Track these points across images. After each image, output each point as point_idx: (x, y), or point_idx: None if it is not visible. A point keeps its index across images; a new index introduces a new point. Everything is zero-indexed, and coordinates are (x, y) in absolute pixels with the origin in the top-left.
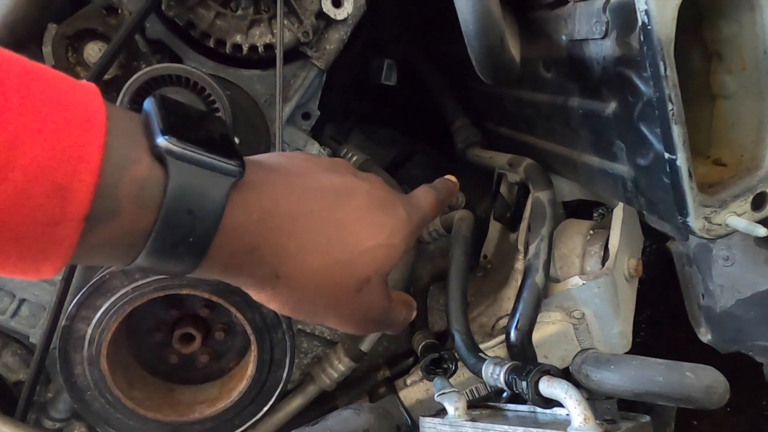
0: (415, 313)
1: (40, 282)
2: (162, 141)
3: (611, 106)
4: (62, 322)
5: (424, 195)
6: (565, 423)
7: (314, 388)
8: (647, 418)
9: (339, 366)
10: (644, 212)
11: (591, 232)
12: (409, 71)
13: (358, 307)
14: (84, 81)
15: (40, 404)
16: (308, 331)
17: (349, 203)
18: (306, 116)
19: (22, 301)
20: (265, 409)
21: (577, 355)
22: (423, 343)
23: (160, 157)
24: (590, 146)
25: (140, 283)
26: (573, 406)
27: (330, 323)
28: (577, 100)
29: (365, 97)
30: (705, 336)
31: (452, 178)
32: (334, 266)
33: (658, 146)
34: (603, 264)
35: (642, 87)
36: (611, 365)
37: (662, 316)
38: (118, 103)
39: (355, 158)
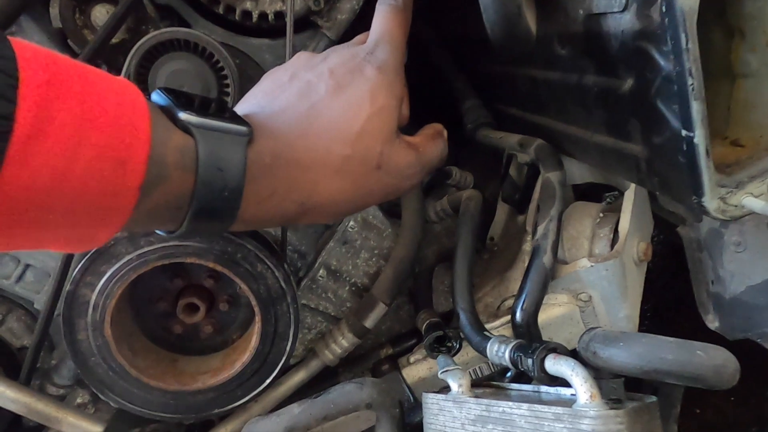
0: (446, 135)
1: None
2: (183, 115)
3: (627, 83)
4: (67, 287)
5: (380, 22)
6: (570, 401)
7: (317, 363)
8: (654, 398)
9: (343, 342)
10: (657, 193)
11: (601, 214)
12: (418, 51)
13: (387, 179)
14: (119, 77)
15: (44, 371)
16: (312, 306)
17: (320, 103)
18: None
19: (27, 266)
20: (268, 381)
21: (584, 333)
22: (427, 321)
23: (185, 129)
24: (604, 125)
25: (145, 250)
26: (579, 384)
27: (375, 204)
28: (592, 78)
29: None
30: (713, 323)
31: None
32: (342, 165)
33: (675, 124)
34: (612, 247)
35: (661, 62)
36: (620, 342)
37: (667, 305)
38: (125, 67)
39: None
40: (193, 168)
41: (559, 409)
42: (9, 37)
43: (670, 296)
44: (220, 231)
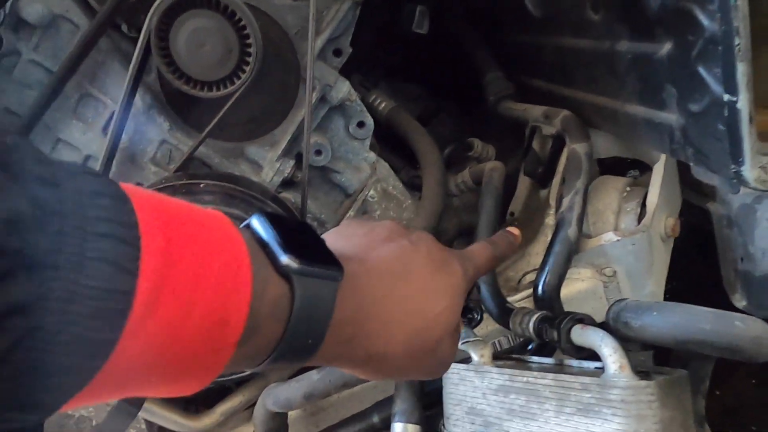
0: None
1: None
2: (286, 260)
3: (665, 48)
4: None
5: (480, 251)
6: (595, 374)
7: None
8: (684, 371)
9: None
10: (691, 164)
11: (627, 188)
12: (439, 21)
13: (435, 362)
14: (210, 210)
15: None
16: None
17: (416, 273)
18: (337, 52)
19: None
20: None
21: (613, 304)
22: None
23: (284, 275)
24: (636, 94)
25: None
26: (608, 354)
27: (413, 377)
28: (626, 44)
29: (392, 50)
30: (740, 302)
31: (514, 230)
32: (414, 336)
33: (717, 88)
34: (639, 222)
35: (705, 22)
36: (654, 312)
37: (685, 287)
38: (145, 25)
39: (384, 104)
40: (284, 318)
41: (586, 379)
42: (127, 190)
43: (689, 278)
44: (293, 369)
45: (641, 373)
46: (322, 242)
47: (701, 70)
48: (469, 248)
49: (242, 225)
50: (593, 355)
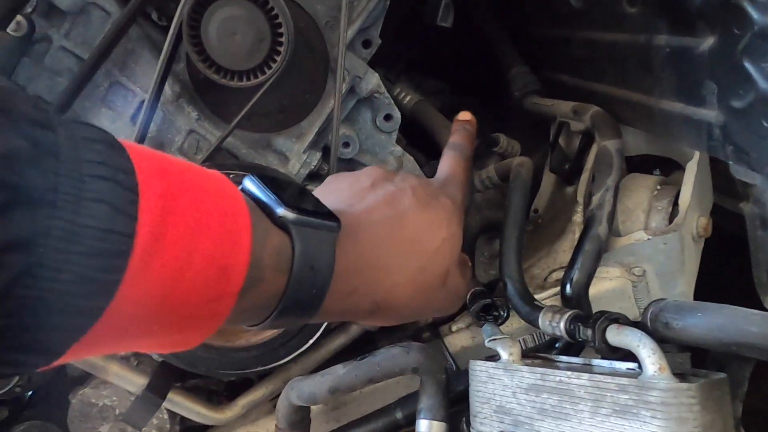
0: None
1: None
2: (282, 212)
3: (707, 42)
4: None
5: (452, 166)
6: (629, 375)
7: (357, 328)
8: (723, 374)
9: None
10: (730, 162)
11: (658, 187)
12: (464, 15)
13: (447, 295)
14: (210, 170)
15: None
16: None
17: (407, 214)
18: (366, 44)
19: None
20: (311, 342)
21: (651, 303)
22: (472, 290)
23: (283, 226)
24: (672, 90)
25: None
26: (647, 355)
27: (427, 316)
28: (665, 38)
29: (413, 44)
30: None
31: (465, 115)
32: (417, 275)
33: (763, 84)
34: (670, 221)
35: (755, 15)
36: (698, 312)
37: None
38: (177, 14)
39: (409, 98)
40: (287, 268)
41: (624, 380)
42: (124, 143)
43: (713, 281)
44: (300, 324)
45: (679, 375)
46: (315, 198)
47: (747, 65)
48: (441, 170)
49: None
50: (624, 357)
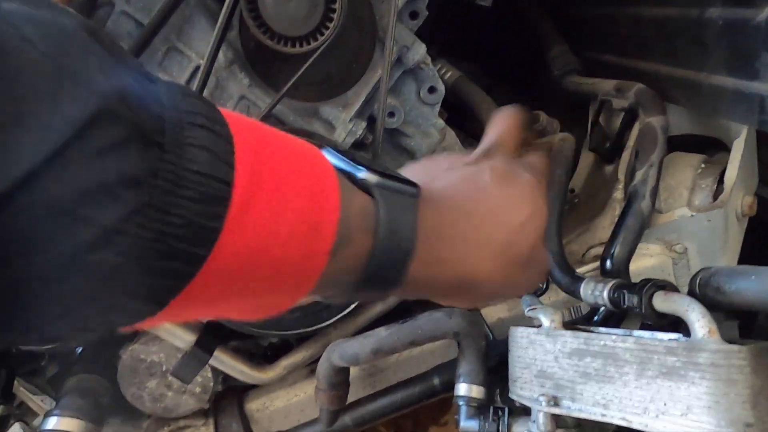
0: None
1: None
2: (364, 174)
3: (765, 12)
4: None
5: (536, 158)
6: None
7: (394, 298)
8: None
9: None
10: None
11: (702, 165)
12: None
13: (530, 274)
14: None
15: None
16: None
17: (487, 190)
18: (414, 15)
19: None
20: (352, 306)
21: (700, 271)
22: None
23: (365, 188)
24: (724, 64)
25: None
26: (696, 319)
27: (512, 295)
28: (718, 10)
29: (453, 24)
30: None
31: (512, 113)
32: (506, 250)
33: None
34: (714, 200)
35: None
36: (752, 276)
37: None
38: None
39: (450, 74)
40: (372, 229)
41: (673, 342)
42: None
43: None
44: (383, 296)
45: (727, 341)
46: (391, 169)
47: None
48: (532, 159)
49: None
50: (666, 327)
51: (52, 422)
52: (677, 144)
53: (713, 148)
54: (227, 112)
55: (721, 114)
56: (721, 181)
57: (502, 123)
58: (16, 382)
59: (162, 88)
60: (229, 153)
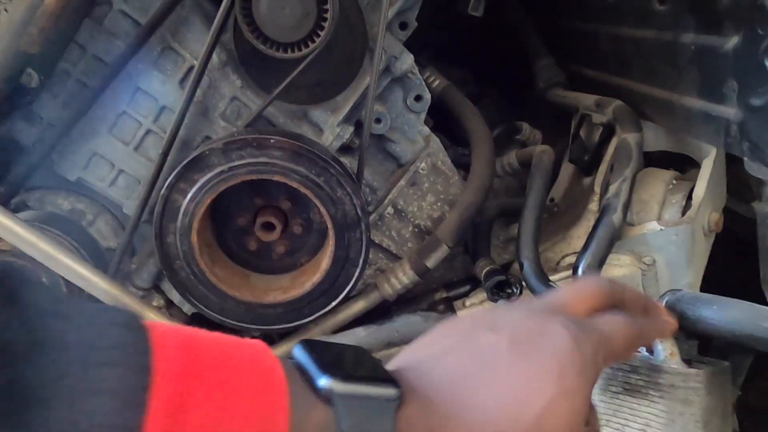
0: None
1: (138, 155)
2: (324, 382)
3: (732, 41)
4: (162, 192)
5: (612, 321)
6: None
7: (376, 296)
8: (727, 363)
9: (403, 278)
10: (745, 158)
11: (674, 182)
12: (492, 6)
13: None
14: (250, 339)
15: (125, 273)
16: (376, 242)
17: (497, 369)
18: (403, 26)
19: (120, 171)
20: (335, 302)
21: (667, 293)
22: (487, 268)
23: (327, 398)
24: (694, 87)
25: (236, 164)
26: (659, 341)
27: None
28: (691, 36)
29: (443, 31)
30: None
31: (669, 318)
32: None
33: None
34: (683, 215)
35: None
36: (713, 305)
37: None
38: None
39: (437, 82)
40: None
41: (636, 362)
42: (151, 324)
43: (721, 280)
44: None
45: (686, 361)
46: (375, 361)
47: None
48: (597, 317)
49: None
50: None
51: None
52: (653, 160)
53: (687, 164)
54: (164, 330)
55: (692, 134)
56: (690, 197)
57: (582, 285)
58: None
59: (74, 327)
60: (141, 389)
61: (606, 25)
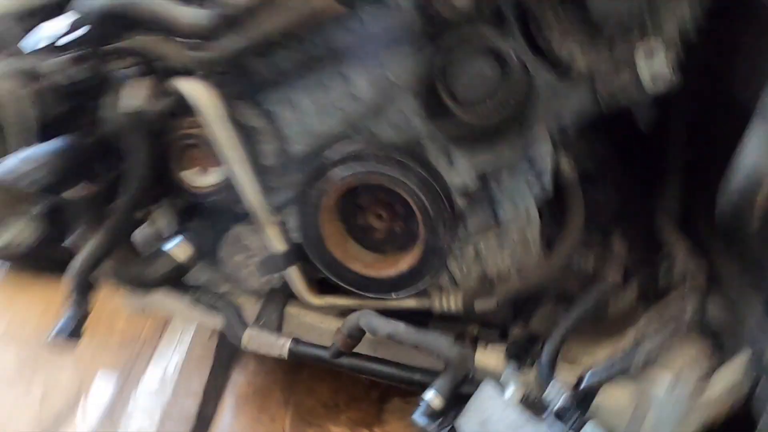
0: None
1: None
2: None
3: None
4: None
5: None
6: None
7: (425, 303)
8: None
9: (452, 305)
10: None
11: (698, 359)
12: (657, 124)
13: None
14: None
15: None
16: (448, 267)
17: None
18: (562, 130)
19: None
20: (393, 294)
21: None
22: (518, 333)
23: None
24: None
25: (380, 169)
26: None
27: None
28: None
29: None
30: None
31: None
32: None
33: None
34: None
35: None
36: None
37: None
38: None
39: (567, 171)
40: None
41: None
42: None
43: None
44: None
45: None
46: None
47: None
48: None
49: None
50: None
51: (175, 240)
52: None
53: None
54: None
55: None
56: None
57: None
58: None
59: None
60: None
61: None
